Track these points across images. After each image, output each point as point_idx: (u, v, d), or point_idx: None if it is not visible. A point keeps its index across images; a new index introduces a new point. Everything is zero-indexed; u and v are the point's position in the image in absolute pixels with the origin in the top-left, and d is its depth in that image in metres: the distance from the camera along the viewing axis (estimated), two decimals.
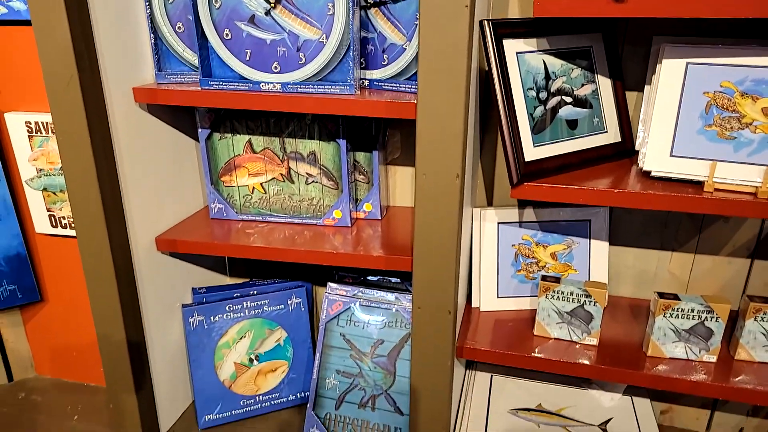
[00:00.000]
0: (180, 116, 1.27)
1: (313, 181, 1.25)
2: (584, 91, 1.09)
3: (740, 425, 1.40)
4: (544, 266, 1.27)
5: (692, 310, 1.06)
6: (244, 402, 1.39)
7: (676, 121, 0.98)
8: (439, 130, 0.87)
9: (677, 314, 1.07)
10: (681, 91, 0.98)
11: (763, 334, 1.07)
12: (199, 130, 1.23)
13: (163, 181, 1.22)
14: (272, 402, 1.42)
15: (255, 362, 1.39)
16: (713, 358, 1.09)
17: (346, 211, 1.24)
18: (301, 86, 1.03)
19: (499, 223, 1.26)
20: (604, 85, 1.12)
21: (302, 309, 1.42)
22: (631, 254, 1.31)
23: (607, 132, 1.12)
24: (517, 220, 1.26)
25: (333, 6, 1.00)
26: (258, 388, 1.40)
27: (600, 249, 1.27)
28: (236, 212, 1.29)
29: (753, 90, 0.94)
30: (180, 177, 1.29)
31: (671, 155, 0.98)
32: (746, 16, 0.80)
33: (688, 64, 0.98)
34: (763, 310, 1.05)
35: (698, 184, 0.96)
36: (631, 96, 1.17)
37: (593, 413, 1.34)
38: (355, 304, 1.32)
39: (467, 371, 1.51)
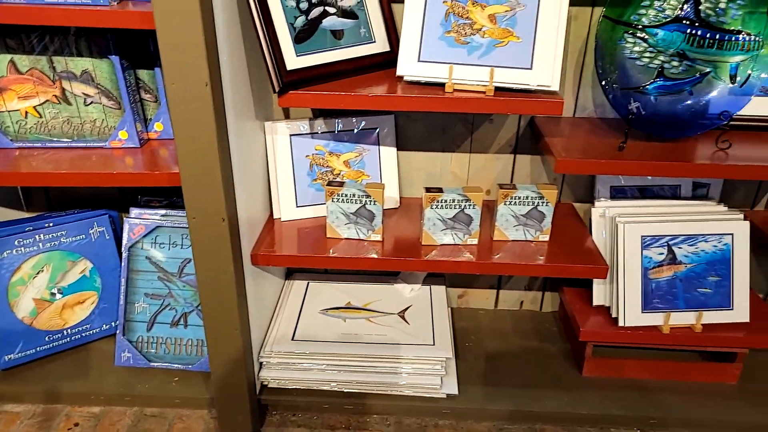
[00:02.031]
0: None
1: (92, 102, 1.20)
2: (348, 3, 1.15)
3: (520, 299, 1.64)
4: (339, 174, 1.36)
5: (453, 201, 1.21)
6: (49, 337, 1.37)
7: (422, 29, 1.07)
8: (178, 38, 0.88)
9: (441, 205, 1.21)
10: (425, 0, 1.07)
11: (513, 216, 1.25)
12: None
13: None
14: (83, 334, 1.41)
15: (58, 296, 1.37)
16: (475, 241, 1.26)
17: (133, 131, 1.22)
18: None
19: (291, 135, 1.31)
20: None
21: (107, 237, 1.41)
22: (419, 158, 1.44)
23: (375, 42, 1.19)
24: (309, 131, 1.32)
25: None
26: (65, 321, 1.38)
27: (389, 155, 1.38)
28: (11, 140, 1.21)
29: None
30: None
31: (419, 60, 1.08)
32: None
33: None
34: (509, 195, 1.23)
35: (442, 86, 1.07)
36: (400, 8, 1.25)
37: (395, 303, 1.50)
38: (159, 227, 1.33)
39: (286, 281, 1.60)
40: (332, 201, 1.24)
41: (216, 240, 1.05)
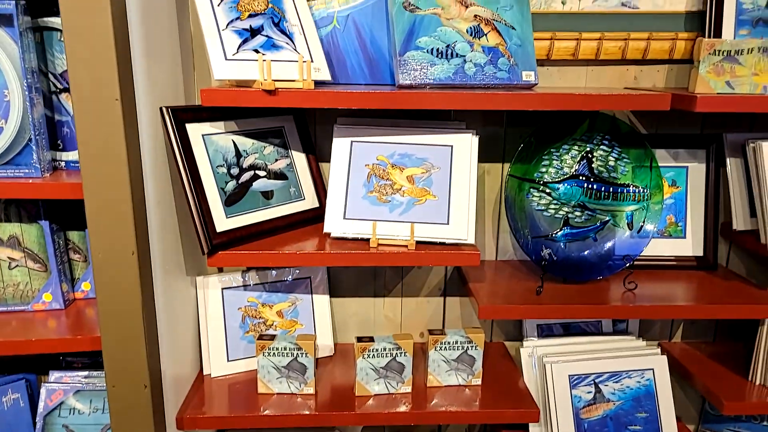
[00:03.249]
0: None
1: (17, 266, 1.19)
2: (279, 165, 1.23)
3: None
4: (272, 324, 1.36)
5: (384, 349, 1.22)
6: None
7: (347, 189, 1.16)
8: (106, 211, 0.91)
9: (373, 354, 1.22)
10: (348, 163, 1.17)
11: (444, 361, 1.27)
12: None
13: None
14: None
15: None
16: (409, 389, 1.26)
17: (58, 293, 1.20)
18: None
19: (223, 288, 1.32)
20: (299, 158, 1.27)
21: (21, 405, 1.31)
22: (352, 304, 1.46)
23: (304, 199, 1.27)
24: (242, 284, 1.34)
25: (9, 93, 1.01)
26: None
27: (322, 303, 1.40)
28: None
29: (400, 162, 1.16)
30: None
31: (345, 218, 1.15)
32: (369, 107, 1.00)
33: (352, 141, 1.18)
34: (439, 341, 1.26)
35: (367, 241, 1.13)
36: (328, 166, 1.35)
37: None
38: (80, 391, 1.26)
39: None
40: (263, 355, 1.23)
41: (137, 408, 1.01)
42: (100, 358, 1.36)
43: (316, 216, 1.27)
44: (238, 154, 1.15)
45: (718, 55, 1.06)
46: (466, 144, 1.17)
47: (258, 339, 1.23)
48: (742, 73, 1.07)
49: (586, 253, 1.26)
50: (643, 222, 1.26)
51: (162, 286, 1.04)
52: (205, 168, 1.09)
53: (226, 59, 1.00)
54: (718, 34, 1.22)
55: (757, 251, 1.24)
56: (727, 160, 1.29)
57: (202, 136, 1.10)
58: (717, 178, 1.33)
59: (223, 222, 1.10)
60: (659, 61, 1.31)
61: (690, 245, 1.34)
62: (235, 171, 1.15)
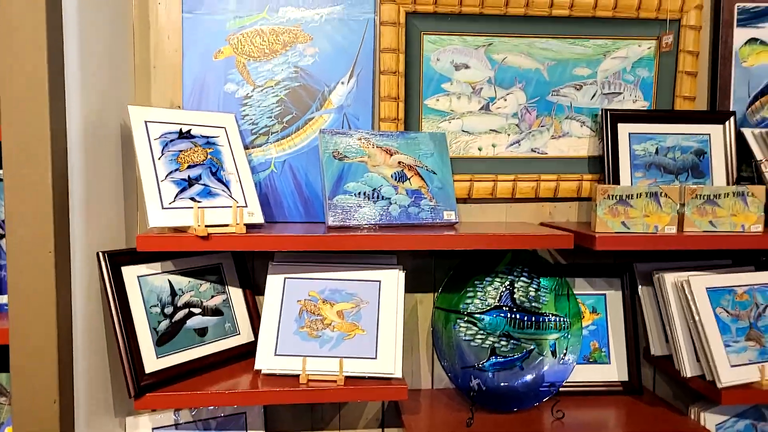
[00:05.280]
0: None
1: None
2: (214, 302, 1.27)
3: None
4: None
5: None
6: None
7: (278, 325, 1.19)
8: (30, 356, 0.92)
9: None
10: (281, 299, 1.22)
11: None
12: None
13: None
14: None
15: None
16: None
17: None
18: None
19: (153, 428, 1.29)
20: (236, 294, 1.32)
21: None
22: None
23: (239, 334, 1.29)
24: (173, 423, 1.31)
25: None
26: None
27: None
28: None
29: (330, 297, 1.22)
30: None
31: (276, 354, 1.17)
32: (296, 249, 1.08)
33: (285, 278, 1.24)
34: None
35: (297, 377, 1.15)
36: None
37: None
38: None
39: None
40: None
41: None
42: None
43: (251, 351, 1.29)
44: (174, 293, 1.19)
45: (612, 199, 1.20)
46: (393, 279, 1.24)
47: None
48: (635, 214, 1.20)
49: (514, 382, 1.30)
50: (566, 349, 1.32)
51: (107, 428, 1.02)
52: (138, 309, 1.12)
53: (162, 208, 1.07)
54: (616, 176, 1.37)
55: (675, 375, 1.30)
56: (639, 288, 1.39)
57: (138, 277, 1.14)
58: (633, 305, 1.42)
59: (153, 362, 1.11)
60: (569, 199, 1.45)
61: (615, 370, 1.40)
62: (169, 310, 1.18)
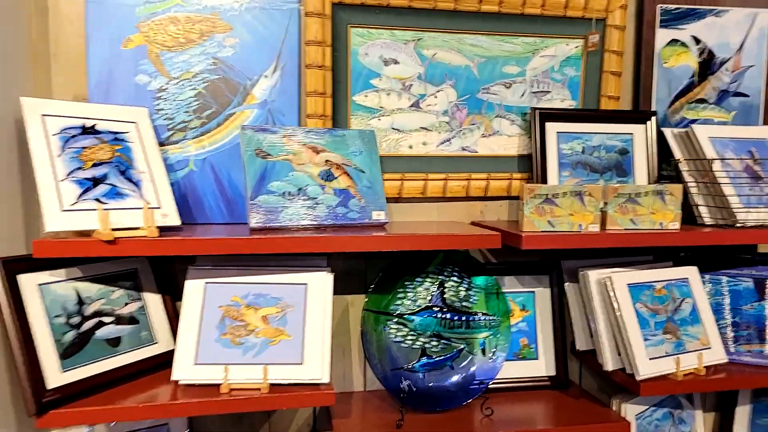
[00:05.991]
0: None
1: None
2: (128, 309, 1.19)
3: None
4: None
5: None
6: None
7: (199, 333, 1.13)
8: None
9: None
10: (202, 306, 1.15)
11: None
12: None
13: None
14: None
15: None
16: None
17: None
18: None
19: None
20: (153, 300, 1.24)
21: None
22: None
23: (158, 343, 1.22)
24: None
25: None
26: None
27: None
28: None
29: (254, 302, 1.17)
30: None
31: (196, 363, 1.11)
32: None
33: (206, 283, 1.17)
34: None
35: (218, 387, 1.09)
36: None
37: None
38: None
39: None
40: None
41: None
42: None
43: (170, 360, 1.22)
44: (81, 302, 1.11)
45: (539, 198, 1.20)
46: (320, 281, 1.20)
47: None
48: (560, 213, 1.20)
49: (445, 381, 1.29)
50: (496, 347, 1.32)
51: None
52: (38, 320, 1.02)
53: (62, 210, 0.98)
54: (544, 175, 1.38)
55: (599, 369, 1.33)
56: (565, 285, 1.42)
57: (38, 285, 1.05)
58: (561, 302, 1.45)
59: (57, 377, 1.02)
60: (500, 197, 1.45)
61: (543, 366, 1.42)
62: (76, 320, 1.09)
